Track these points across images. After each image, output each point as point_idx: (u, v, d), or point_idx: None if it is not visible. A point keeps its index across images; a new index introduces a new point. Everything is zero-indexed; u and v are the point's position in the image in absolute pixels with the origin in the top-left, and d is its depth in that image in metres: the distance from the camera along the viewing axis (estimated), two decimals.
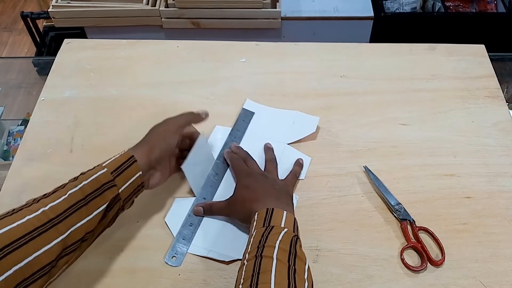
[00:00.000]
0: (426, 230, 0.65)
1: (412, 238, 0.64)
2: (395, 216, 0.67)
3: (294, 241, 0.53)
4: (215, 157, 0.73)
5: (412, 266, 0.61)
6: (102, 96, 0.83)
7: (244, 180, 0.66)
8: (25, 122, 1.25)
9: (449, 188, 0.70)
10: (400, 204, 0.67)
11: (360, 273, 0.61)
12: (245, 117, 0.79)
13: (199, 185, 0.70)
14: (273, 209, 0.58)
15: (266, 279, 0.47)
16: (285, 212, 0.58)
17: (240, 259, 0.61)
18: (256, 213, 0.58)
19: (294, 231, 0.56)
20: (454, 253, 0.63)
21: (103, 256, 0.63)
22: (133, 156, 0.59)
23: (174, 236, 0.64)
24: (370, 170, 0.71)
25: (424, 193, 0.69)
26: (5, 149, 1.22)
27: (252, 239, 0.55)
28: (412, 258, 0.63)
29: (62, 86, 0.85)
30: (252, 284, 0.47)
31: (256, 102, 0.81)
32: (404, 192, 0.69)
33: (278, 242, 0.52)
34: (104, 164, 0.57)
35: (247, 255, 0.53)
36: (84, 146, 0.76)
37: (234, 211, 0.64)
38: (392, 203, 0.67)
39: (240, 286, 0.49)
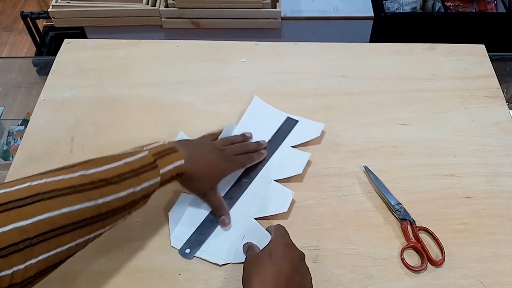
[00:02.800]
0: (426, 230, 0.65)
1: (412, 238, 0.64)
2: (395, 216, 0.67)
3: None
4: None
5: (412, 266, 0.61)
6: (102, 96, 0.83)
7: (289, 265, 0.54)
8: (25, 122, 1.25)
9: (449, 188, 0.70)
10: (400, 204, 0.67)
11: (360, 273, 0.61)
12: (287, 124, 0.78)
13: None
14: None
15: None
16: None
17: (234, 262, 0.61)
18: None
19: None
20: (454, 253, 0.63)
21: (103, 256, 0.63)
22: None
23: (171, 232, 0.65)
24: (370, 170, 0.71)
25: (424, 193, 0.69)
26: (5, 149, 1.22)
27: None
28: (412, 258, 0.63)
29: (62, 86, 0.85)
30: None
31: (263, 101, 0.81)
32: (404, 192, 0.69)
33: None
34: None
35: None
36: (84, 146, 0.76)
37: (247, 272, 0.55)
38: (392, 203, 0.67)
39: None
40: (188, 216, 0.66)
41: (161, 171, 0.56)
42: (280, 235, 0.58)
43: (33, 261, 0.42)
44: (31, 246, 0.42)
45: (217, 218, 0.66)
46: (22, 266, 0.41)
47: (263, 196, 0.68)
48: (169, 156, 0.58)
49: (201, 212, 0.67)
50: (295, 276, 0.53)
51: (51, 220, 0.44)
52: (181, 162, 0.59)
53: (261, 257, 0.55)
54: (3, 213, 0.41)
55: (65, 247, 0.46)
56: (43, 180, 0.46)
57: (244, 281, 0.53)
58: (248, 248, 0.60)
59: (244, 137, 0.74)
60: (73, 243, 0.47)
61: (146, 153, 0.56)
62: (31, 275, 0.43)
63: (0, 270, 0.39)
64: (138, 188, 0.53)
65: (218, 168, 0.65)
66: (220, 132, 0.73)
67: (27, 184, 0.45)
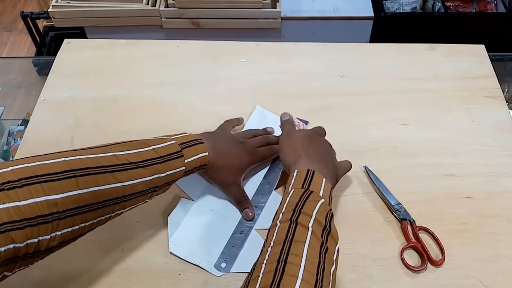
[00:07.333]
0: (426, 230, 0.65)
1: (412, 238, 0.64)
2: (395, 216, 0.67)
3: (330, 215, 0.52)
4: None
5: (412, 266, 0.61)
6: (102, 96, 0.83)
7: (305, 133, 0.66)
8: (25, 122, 1.24)
9: (449, 188, 0.70)
10: (400, 204, 0.67)
11: (360, 273, 0.61)
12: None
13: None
14: (314, 172, 0.56)
15: (298, 251, 0.46)
16: (324, 179, 0.56)
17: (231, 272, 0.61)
18: (296, 170, 0.57)
19: (329, 204, 0.55)
20: (454, 253, 0.63)
21: (103, 256, 0.62)
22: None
23: (170, 237, 0.64)
24: (370, 170, 0.71)
25: (424, 193, 0.69)
26: (5, 149, 1.22)
27: (288, 198, 0.53)
28: (412, 258, 0.63)
29: (62, 86, 0.85)
30: (283, 251, 0.46)
31: (266, 109, 0.80)
32: (404, 192, 0.69)
33: (315, 212, 0.51)
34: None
35: (281, 216, 0.51)
36: (84, 146, 0.75)
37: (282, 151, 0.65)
38: (392, 203, 0.67)
39: (270, 248, 0.48)
40: (187, 222, 0.66)
41: (186, 160, 0.59)
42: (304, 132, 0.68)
43: (57, 233, 0.45)
44: (59, 220, 0.45)
45: (240, 211, 0.67)
46: (48, 236, 0.44)
47: (265, 207, 0.68)
48: (194, 147, 0.61)
49: (201, 219, 0.66)
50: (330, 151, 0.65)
51: (79, 197, 0.47)
52: (205, 154, 0.62)
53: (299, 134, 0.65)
54: (37, 184, 0.44)
55: (87, 223, 0.49)
56: (77, 157, 0.49)
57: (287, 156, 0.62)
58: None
59: (266, 131, 0.75)
60: (95, 220, 0.50)
61: (173, 142, 0.59)
62: (53, 245, 0.46)
63: (28, 238, 0.42)
64: (163, 174, 0.56)
65: (240, 160, 0.67)
66: (238, 120, 0.76)
67: (62, 159, 0.48)
